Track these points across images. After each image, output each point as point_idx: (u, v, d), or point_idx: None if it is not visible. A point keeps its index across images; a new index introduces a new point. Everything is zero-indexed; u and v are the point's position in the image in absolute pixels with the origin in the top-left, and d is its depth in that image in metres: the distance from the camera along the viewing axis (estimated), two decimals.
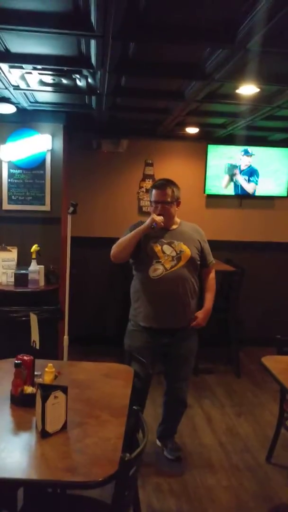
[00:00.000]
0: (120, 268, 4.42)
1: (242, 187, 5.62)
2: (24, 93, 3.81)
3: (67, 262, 4.32)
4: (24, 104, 4.18)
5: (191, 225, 3.26)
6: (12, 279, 4.42)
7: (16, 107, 4.20)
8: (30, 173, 4.64)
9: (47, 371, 2.31)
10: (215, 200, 5.73)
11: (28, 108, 4.34)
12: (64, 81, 3.41)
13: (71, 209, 4.23)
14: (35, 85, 3.52)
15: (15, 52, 2.86)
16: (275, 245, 5.84)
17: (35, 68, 3.12)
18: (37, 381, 2.24)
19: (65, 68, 3.13)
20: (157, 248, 3.06)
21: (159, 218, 3.01)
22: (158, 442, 3.45)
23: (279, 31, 2.27)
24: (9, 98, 4.01)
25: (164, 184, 3.11)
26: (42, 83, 3.48)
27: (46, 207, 4.67)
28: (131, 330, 3.19)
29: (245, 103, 3.78)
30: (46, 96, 3.92)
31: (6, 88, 3.61)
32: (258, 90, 3.33)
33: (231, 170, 5.58)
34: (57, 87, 3.59)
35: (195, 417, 4.02)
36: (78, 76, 3.28)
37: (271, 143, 5.60)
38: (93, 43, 2.58)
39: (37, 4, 2.22)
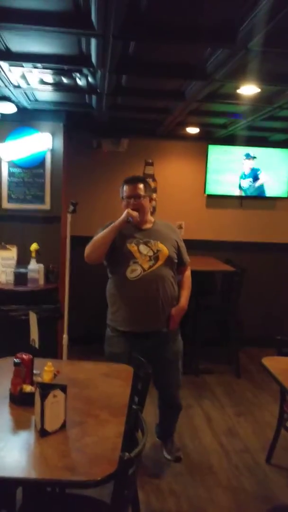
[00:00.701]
0: None
1: (249, 190, 5.62)
2: (25, 92, 3.81)
3: (66, 261, 4.31)
4: (24, 103, 4.18)
5: (166, 224, 3.19)
6: (12, 278, 4.42)
7: (16, 106, 4.20)
8: (30, 172, 4.64)
9: (46, 370, 2.31)
10: (215, 200, 5.73)
11: (28, 107, 4.34)
12: (65, 80, 3.41)
13: (71, 208, 4.22)
14: (35, 84, 3.51)
15: (16, 50, 2.85)
16: (276, 245, 5.83)
17: (35, 67, 3.11)
18: (36, 380, 2.24)
19: (66, 67, 3.13)
20: (133, 248, 2.96)
21: (135, 213, 2.94)
22: (158, 440, 3.46)
23: (280, 31, 2.26)
24: (10, 97, 4.01)
25: (136, 179, 3.09)
26: (43, 82, 3.48)
27: (46, 206, 4.67)
28: (110, 336, 3.05)
29: (246, 103, 3.77)
30: (47, 95, 3.91)
31: (7, 87, 3.61)
32: (258, 90, 3.33)
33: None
34: (57, 86, 3.58)
35: (195, 417, 4.01)
36: (78, 75, 3.27)
37: (271, 143, 5.60)
38: (93, 42, 2.57)
39: (38, 2, 2.21)
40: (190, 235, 5.25)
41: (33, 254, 4.42)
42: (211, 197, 5.70)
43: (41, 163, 4.63)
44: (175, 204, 5.61)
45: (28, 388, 2.15)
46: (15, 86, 3.58)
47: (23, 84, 3.51)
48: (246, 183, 5.60)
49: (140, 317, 2.97)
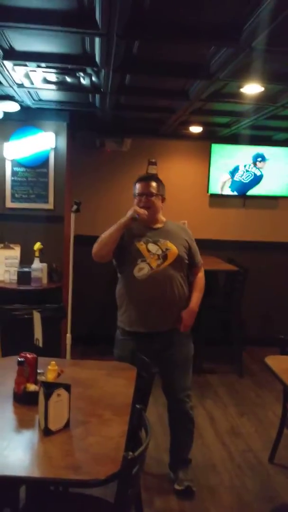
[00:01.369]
0: None
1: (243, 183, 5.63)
2: (28, 91, 3.81)
3: (70, 261, 4.32)
4: (28, 102, 4.19)
5: (177, 224, 3.13)
6: (15, 277, 4.42)
7: (20, 105, 4.20)
8: (33, 171, 4.64)
9: (50, 369, 2.31)
10: (218, 199, 5.73)
11: (32, 106, 4.34)
12: (68, 79, 3.41)
13: (75, 207, 4.22)
14: (39, 83, 3.52)
15: (20, 50, 2.86)
16: (278, 245, 5.82)
17: (39, 66, 3.12)
18: (40, 379, 2.24)
19: (69, 66, 3.13)
20: (142, 246, 2.88)
21: (142, 210, 2.85)
22: (170, 474, 3.12)
23: (284, 30, 2.25)
24: (13, 96, 4.01)
25: (149, 177, 3.02)
26: (46, 81, 3.48)
27: (50, 205, 4.67)
28: (119, 339, 2.98)
29: (249, 102, 3.77)
30: (50, 94, 3.92)
31: (10, 86, 3.61)
32: (262, 89, 3.32)
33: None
34: (61, 85, 3.59)
35: (198, 417, 3.99)
36: (82, 74, 3.27)
37: (275, 142, 5.59)
38: (97, 41, 2.57)
39: (42, 2, 2.21)
40: (193, 234, 5.23)
41: (37, 254, 4.42)
42: (214, 196, 5.70)
43: (44, 163, 4.64)
44: (178, 203, 5.59)
45: (32, 387, 2.15)
46: (18, 85, 3.58)
47: (26, 83, 3.52)
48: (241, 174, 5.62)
49: (146, 317, 2.88)
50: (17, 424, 2.02)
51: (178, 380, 2.98)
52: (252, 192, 5.65)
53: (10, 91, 3.82)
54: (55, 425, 1.89)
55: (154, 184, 2.95)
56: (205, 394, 4.48)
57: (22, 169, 4.63)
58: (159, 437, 3.49)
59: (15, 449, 1.79)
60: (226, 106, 4.06)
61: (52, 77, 3.38)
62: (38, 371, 2.31)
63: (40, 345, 2.53)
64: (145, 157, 5.56)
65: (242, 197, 5.72)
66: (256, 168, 5.58)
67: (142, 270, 2.85)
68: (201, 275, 3.11)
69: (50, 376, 2.29)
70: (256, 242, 5.78)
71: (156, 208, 2.96)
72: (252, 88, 3.32)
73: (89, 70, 3.16)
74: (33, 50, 2.86)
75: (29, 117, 4.54)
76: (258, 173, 5.59)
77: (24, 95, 3.93)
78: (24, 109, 4.34)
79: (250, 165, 5.58)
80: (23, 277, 4.39)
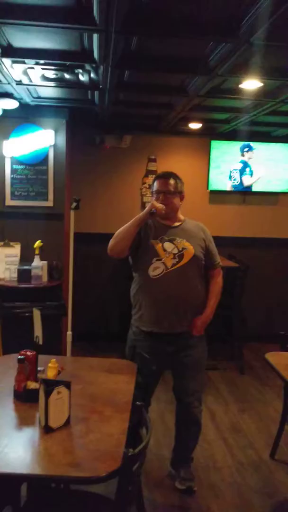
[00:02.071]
0: (122, 264, 4.41)
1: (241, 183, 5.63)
2: (27, 88, 3.80)
3: (70, 258, 4.31)
4: (27, 99, 4.18)
5: (196, 223, 3.02)
6: (15, 275, 4.42)
7: (19, 102, 4.20)
8: (33, 169, 4.64)
9: (50, 367, 2.31)
10: (218, 196, 5.72)
11: (31, 103, 4.33)
12: (67, 76, 3.40)
13: (74, 204, 4.22)
14: (37, 80, 3.51)
15: (18, 46, 2.85)
16: (279, 241, 5.82)
17: (37, 63, 3.11)
18: (40, 377, 2.24)
19: (68, 63, 3.12)
20: (158, 245, 2.82)
21: (160, 205, 2.76)
22: (171, 470, 3.13)
23: (283, 24, 2.25)
24: (12, 94, 4.01)
25: (168, 174, 2.92)
26: (45, 78, 3.47)
27: (49, 203, 4.67)
28: (133, 339, 2.93)
29: (248, 98, 3.76)
30: (49, 91, 3.91)
31: (9, 83, 3.60)
32: (261, 84, 3.31)
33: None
34: (59, 82, 3.58)
35: None
36: (80, 71, 3.26)
37: (274, 138, 5.58)
38: (95, 37, 2.56)
39: None
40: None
41: (37, 251, 4.42)
42: (214, 192, 5.69)
43: (44, 160, 4.63)
44: None
45: (32, 384, 2.16)
46: (17, 83, 3.57)
47: (25, 80, 3.51)
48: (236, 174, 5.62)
49: (160, 317, 2.81)
50: (17, 421, 2.02)
51: (188, 383, 2.92)
52: (252, 185, 5.64)
53: (9, 89, 3.82)
54: (55, 422, 1.89)
55: (172, 181, 2.87)
56: (206, 390, 4.47)
57: (21, 166, 4.62)
58: (160, 434, 3.50)
59: (16, 446, 1.79)
60: (226, 102, 4.06)
61: (51, 74, 3.37)
62: (39, 368, 2.32)
63: (40, 342, 2.52)
64: (144, 153, 5.55)
65: (242, 194, 5.71)
66: (243, 157, 5.58)
67: (157, 269, 2.80)
68: (218, 280, 3.04)
69: (51, 374, 2.29)
70: (256, 239, 5.78)
71: (174, 206, 2.89)
72: (251, 84, 3.31)
73: (87, 67, 3.15)
74: (31, 46, 2.86)
75: (28, 115, 4.52)
76: (246, 160, 5.61)
77: (23, 92, 3.92)
78: (23, 106, 4.33)
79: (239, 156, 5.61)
80: (24, 275, 4.39)
